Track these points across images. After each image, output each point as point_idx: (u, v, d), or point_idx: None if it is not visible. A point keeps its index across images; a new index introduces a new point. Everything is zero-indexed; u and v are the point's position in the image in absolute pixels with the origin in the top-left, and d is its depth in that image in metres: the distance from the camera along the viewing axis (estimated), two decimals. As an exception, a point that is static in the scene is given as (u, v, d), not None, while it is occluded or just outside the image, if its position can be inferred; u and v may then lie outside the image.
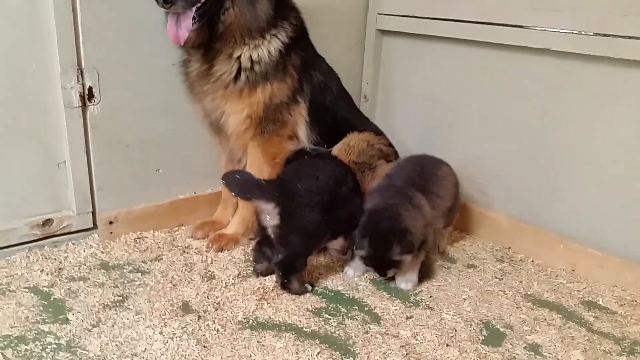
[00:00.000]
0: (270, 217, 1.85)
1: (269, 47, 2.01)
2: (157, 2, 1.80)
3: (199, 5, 1.86)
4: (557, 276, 2.13)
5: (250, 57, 2.00)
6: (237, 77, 2.00)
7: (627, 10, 1.89)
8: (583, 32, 1.99)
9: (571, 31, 2.02)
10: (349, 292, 1.95)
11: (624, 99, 1.98)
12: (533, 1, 2.14)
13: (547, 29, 2.09)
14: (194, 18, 1.86)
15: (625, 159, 2.00)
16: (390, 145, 2.32)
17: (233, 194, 1.98)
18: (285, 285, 1.90)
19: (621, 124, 1.99)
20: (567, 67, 2.09)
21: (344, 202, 1.91)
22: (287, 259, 1.87)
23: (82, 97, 2.02)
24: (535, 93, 2.20)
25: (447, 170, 2.19)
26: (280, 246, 1.87)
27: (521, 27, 2.16)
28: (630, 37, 1.88)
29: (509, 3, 2.20)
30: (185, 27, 1.86)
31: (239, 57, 2.00)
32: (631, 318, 1.86)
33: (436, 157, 2.22)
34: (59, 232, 2.11)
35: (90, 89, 2.03)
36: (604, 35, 1.94)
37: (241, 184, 1.87)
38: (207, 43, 1.98)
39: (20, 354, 1.55)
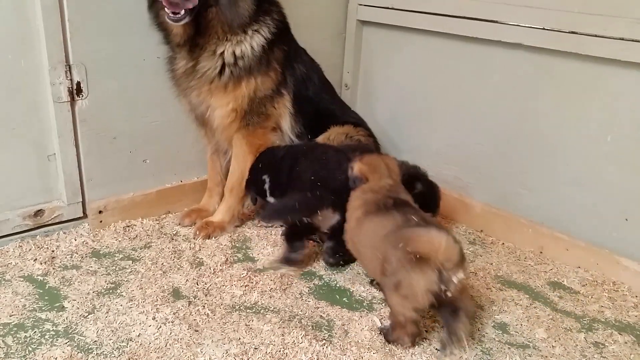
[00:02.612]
0: (329, 217, 1.97)
1: (252, 43, 2.08)
2: None
3: None
4: (525, 258, 2.26)
5: (234, 52, 2.06)
6: (221, 72, 2.07)
7: (596, 10, 1.98)
8: (554, 29, 2.09)
9: (542, 27, 2.12)
10: (331, 276, 2.06)
11: (592, 94, 2.09)
12: (506, -3, 2.23)
13: (519, 25, 2.18)
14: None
15: (592, 150, 2.12)
16: (370, 135, 2.40)
17: (307, 218, 1.96)
18: (340, 261, 2.07)
19: (589, 118, 2.11)
20: (540, 62, 2.19)
21: None
22: (340, 240, 1.97)
23: (70, 92, 2.07)
24: (509, 86, 2.31)
25: None
26: (339, 235, 1.96)
27: (495, 22, 2.25)
28: (597, 36, 1.98)
29: (483, -2, 2.29)
30: None
31: (222, 53, 2.06)
32: (591, 297, 2.01)
33: None
34: (50, 222, 2.18)
35: (78, 83, 2.08)
36: (572, 32, 2.04)
37: (304, 207, 1.95)
38: (192, 39, 2.04)
39: (20, 341, 1.63)
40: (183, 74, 2.12)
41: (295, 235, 2.03)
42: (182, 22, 1.95)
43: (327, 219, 1.97)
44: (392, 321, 1.69)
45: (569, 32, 2.05)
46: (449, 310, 1.60)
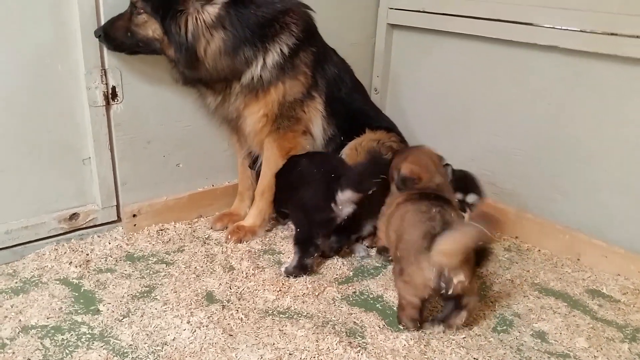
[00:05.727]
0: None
1: (273, 55, 2.07)
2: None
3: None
4: (562, 265, 2.21)
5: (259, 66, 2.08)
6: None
7: (634, 11, 1.94)
8: (591, 31, 2.05)
9: (579, 29, 2.08)
10: (364, 282, 2.04)
11: (631, 97, 2.04)
12: (542, -1, 2.19)
13: (555, 27, 2.14)
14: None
15: (631, 155, 2.07)
16: (402, 141, 2.37)
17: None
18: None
19: (628, 122, 2.06)
20: (576, 65, 2.15)
21: None
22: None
23: (105, 97, 2.10)
24: (544, 89, 2.27)
25: None
26: None
27: (530, 24, 2.21)
28: (638, 37, 1.93)
29: (518, 1, 2.25)
30: None
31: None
32: (633, 306, 1.95)
33: None
34: (85, 226, 2.21)
35: (113, 88, 2.10)
36: (612, 34, 1.99)
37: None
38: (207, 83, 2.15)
39: (57, 343, 1.65)
40: (218, 106, 2.18)
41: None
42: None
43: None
44: (398, 303, 1.79)
45: (607, 34, 2.00)
46: (453, 303, 1.70)
